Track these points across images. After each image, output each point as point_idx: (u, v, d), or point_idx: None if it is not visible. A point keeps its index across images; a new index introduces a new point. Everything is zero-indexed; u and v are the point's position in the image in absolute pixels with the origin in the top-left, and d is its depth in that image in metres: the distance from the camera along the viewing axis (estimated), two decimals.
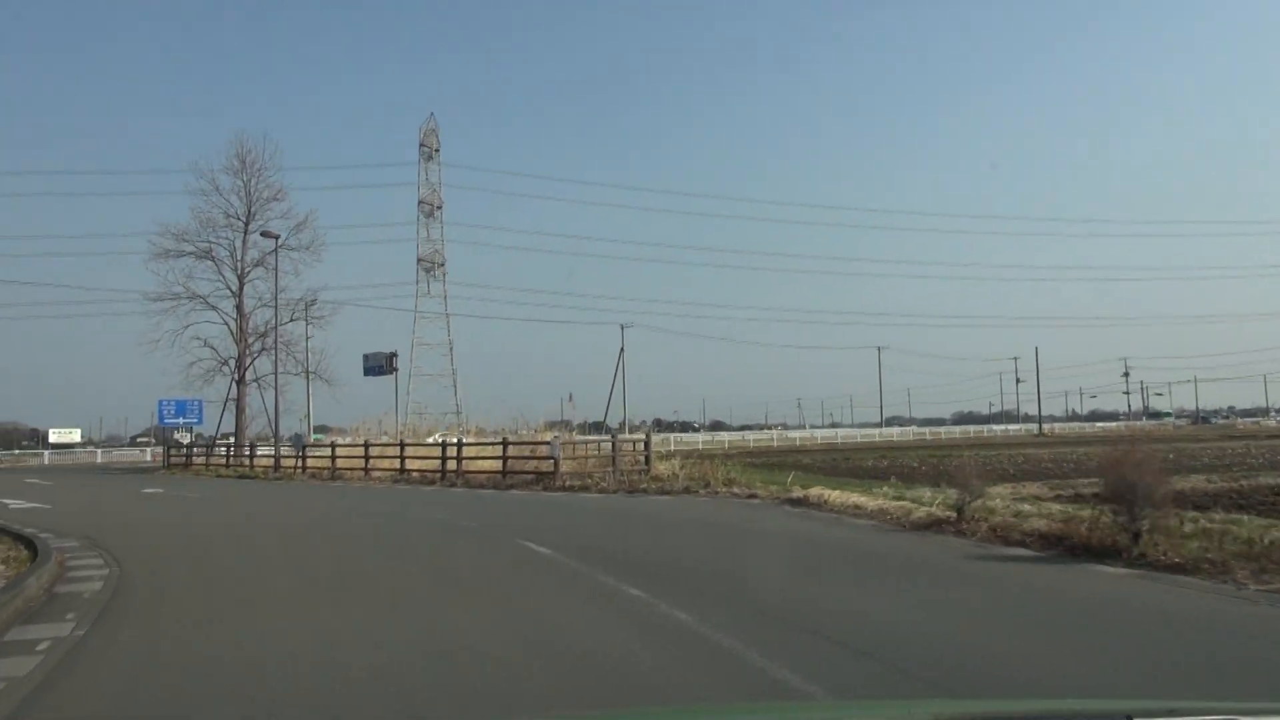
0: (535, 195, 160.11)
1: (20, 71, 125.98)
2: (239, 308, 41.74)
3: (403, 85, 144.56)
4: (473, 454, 26.62)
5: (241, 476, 33.24)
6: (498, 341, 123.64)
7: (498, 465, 25.41)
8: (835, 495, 14.98)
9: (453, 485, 24.51)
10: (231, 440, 43.38)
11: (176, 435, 61.39)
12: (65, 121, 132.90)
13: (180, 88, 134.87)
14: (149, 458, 63.56)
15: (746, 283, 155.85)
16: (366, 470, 28.91)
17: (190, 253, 40.82)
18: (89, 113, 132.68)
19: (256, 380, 41.93)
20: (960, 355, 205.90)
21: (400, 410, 45.73)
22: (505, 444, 24.70)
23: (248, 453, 36.42)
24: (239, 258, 41.70)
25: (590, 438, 32.82)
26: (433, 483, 25.57)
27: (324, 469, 30.64)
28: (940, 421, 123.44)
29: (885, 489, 16.65)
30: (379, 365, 65.00)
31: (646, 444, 24.72)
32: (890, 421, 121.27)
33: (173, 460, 40.53)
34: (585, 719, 4.25)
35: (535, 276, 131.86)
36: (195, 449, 41.03)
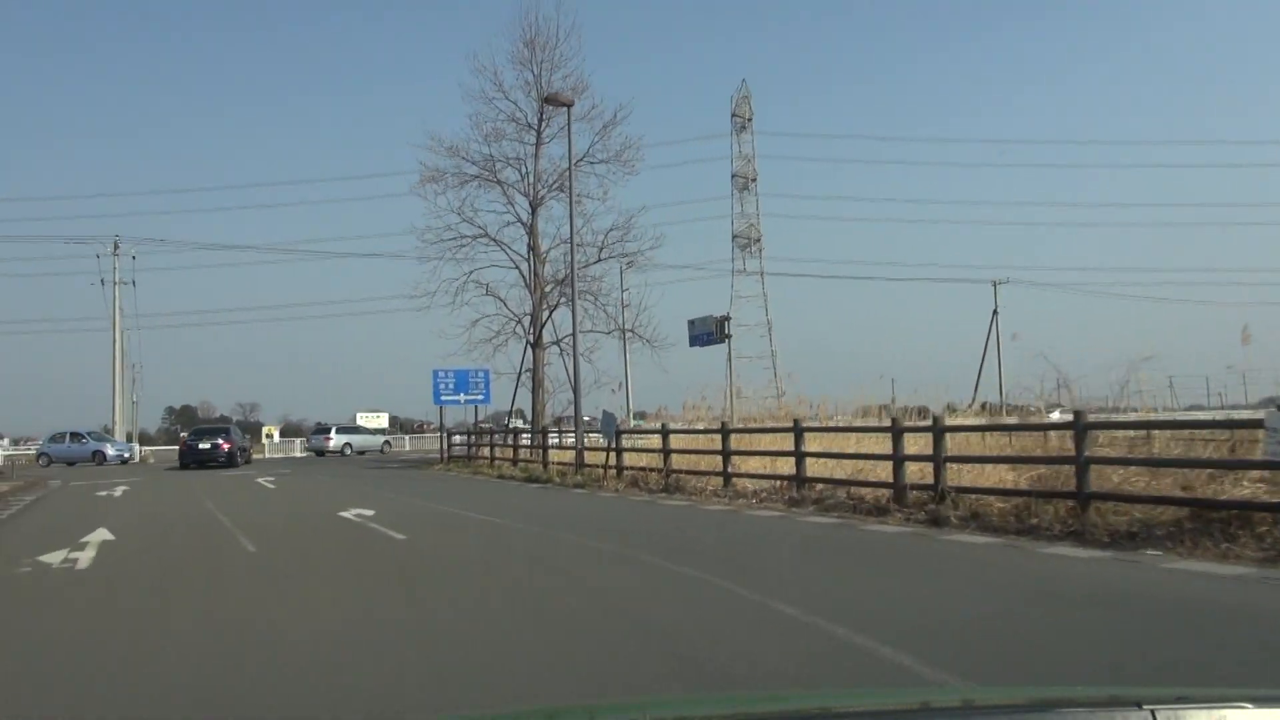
0: (861, 160, 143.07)
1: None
2: (532, 245, 30.84)
3: (708, 54, 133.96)
4: (974, 449, 12.67)
5: (530, 479, 21.72)
6: (812, 319, 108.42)
7: (1020, 475, 11.30)
8: None
9: (936, 522, 10.70)
10: (515, 424, 32.91)
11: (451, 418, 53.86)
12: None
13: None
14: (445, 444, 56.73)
15: (1109, 242, 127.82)
16: (726, 475, 15.86)
17: (474, 176, 30.43)
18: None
19: (557, 342, 30.94)
20: None
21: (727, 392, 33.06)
22: (1078, 423, 10.16)
23: (545, 441, 25.00)
24: (530, 178, 30.83)
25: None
26: (882, 510, 11.88)
27: (649, 470, 18.03)
28: None
29: None
30: (707, 333, 53.14)
31: None
32: (1267, 401, 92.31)
33: (454, 452, 30.52)
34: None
35: (853, 246, 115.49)
36: (480, 436, 30.63)
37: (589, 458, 20.61)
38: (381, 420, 65.11)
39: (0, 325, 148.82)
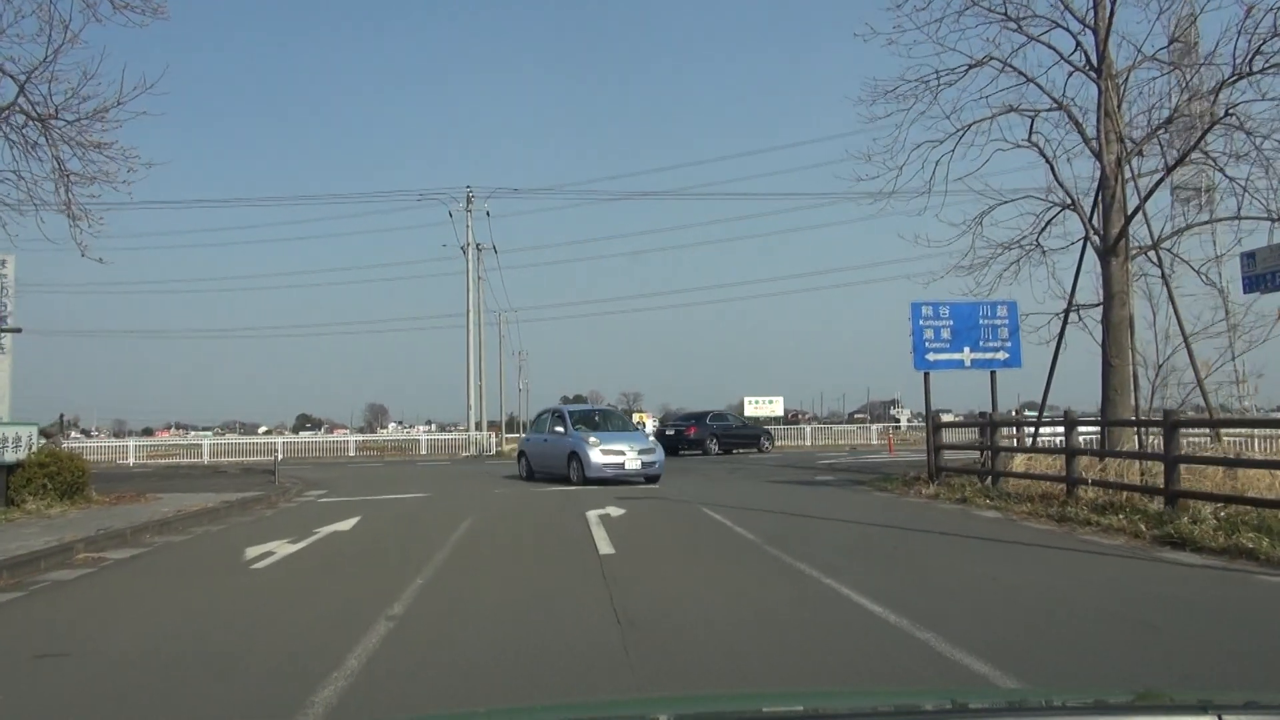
0: None
1: None
2: (1099, 64, 15.63)
3: None
4: None
5: None
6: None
7: None
8: None
9: None
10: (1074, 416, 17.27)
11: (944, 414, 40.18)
12: None
13: None
14: (874, 438, 42.51)
15: None
16: None
17: None
18: None
19: (1154, 248, 15.44)
20: None
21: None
22: None
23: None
24: None
25: None
26: None
27: None
28: None
29: None
30: None
31: None
32: None
33: (945, 462, 15.89)
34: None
35: None
36: (993, 434, 15.66)
37: None
38: (775, 407, 53.55)
39: (420, 320, 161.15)
